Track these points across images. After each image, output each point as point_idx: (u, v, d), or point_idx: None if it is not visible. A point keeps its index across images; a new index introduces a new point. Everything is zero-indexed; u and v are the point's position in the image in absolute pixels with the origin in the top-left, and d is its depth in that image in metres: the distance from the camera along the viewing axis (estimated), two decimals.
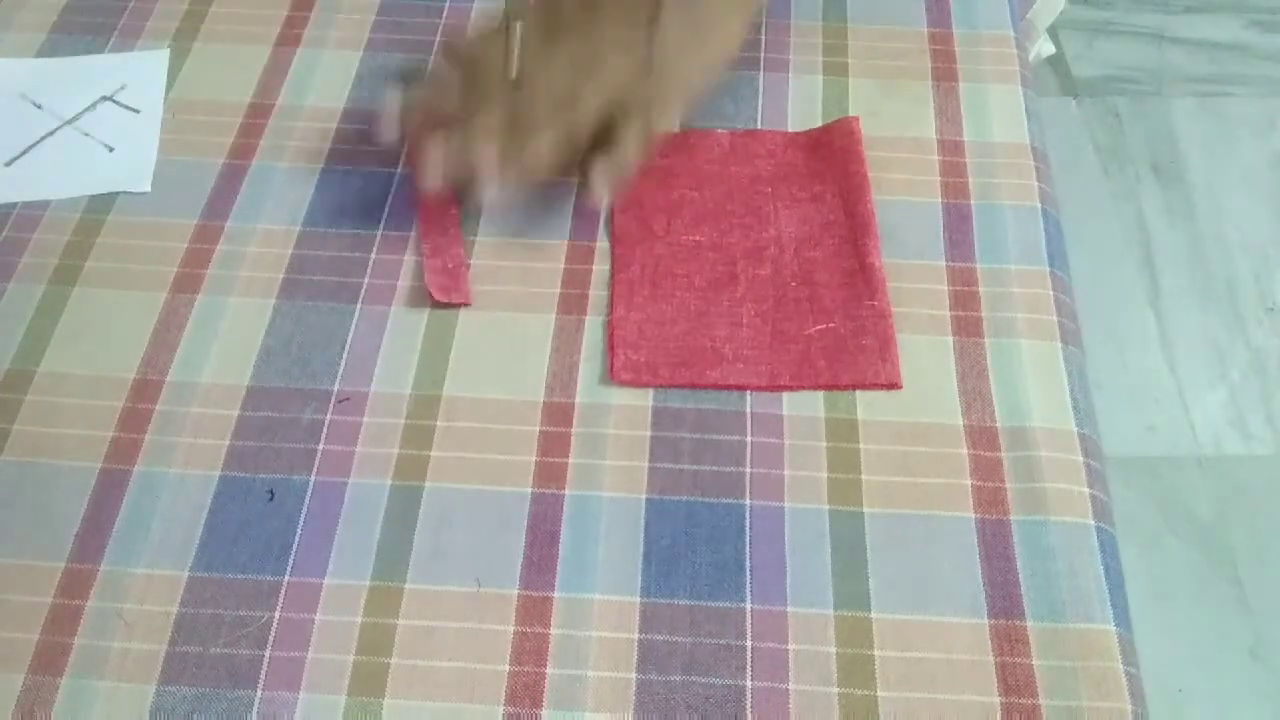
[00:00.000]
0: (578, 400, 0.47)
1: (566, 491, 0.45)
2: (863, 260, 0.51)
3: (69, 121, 0.58)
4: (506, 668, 0.41)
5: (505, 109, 0.51)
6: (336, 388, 0.48)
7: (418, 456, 0.46)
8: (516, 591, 0.42)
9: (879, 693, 0.40)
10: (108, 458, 0.46)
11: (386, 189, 0.55)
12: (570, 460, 0.46)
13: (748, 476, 0.45)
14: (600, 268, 0.52)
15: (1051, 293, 0.51)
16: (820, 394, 0.48)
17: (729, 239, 0.53)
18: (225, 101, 0.58)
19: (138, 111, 0.58)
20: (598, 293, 0.51)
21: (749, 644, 0.41)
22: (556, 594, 0.42)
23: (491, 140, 0.50)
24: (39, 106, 0.58)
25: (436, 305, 0.50)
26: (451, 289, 0.50)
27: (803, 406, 0.47)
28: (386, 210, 0.54)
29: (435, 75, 0.56)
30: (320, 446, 0.46)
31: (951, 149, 0.56)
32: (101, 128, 0.57)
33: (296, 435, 0.46)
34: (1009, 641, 0.41)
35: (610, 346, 0.49)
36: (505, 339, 0.49)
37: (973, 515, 0.44)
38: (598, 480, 0.45)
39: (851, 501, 0.45)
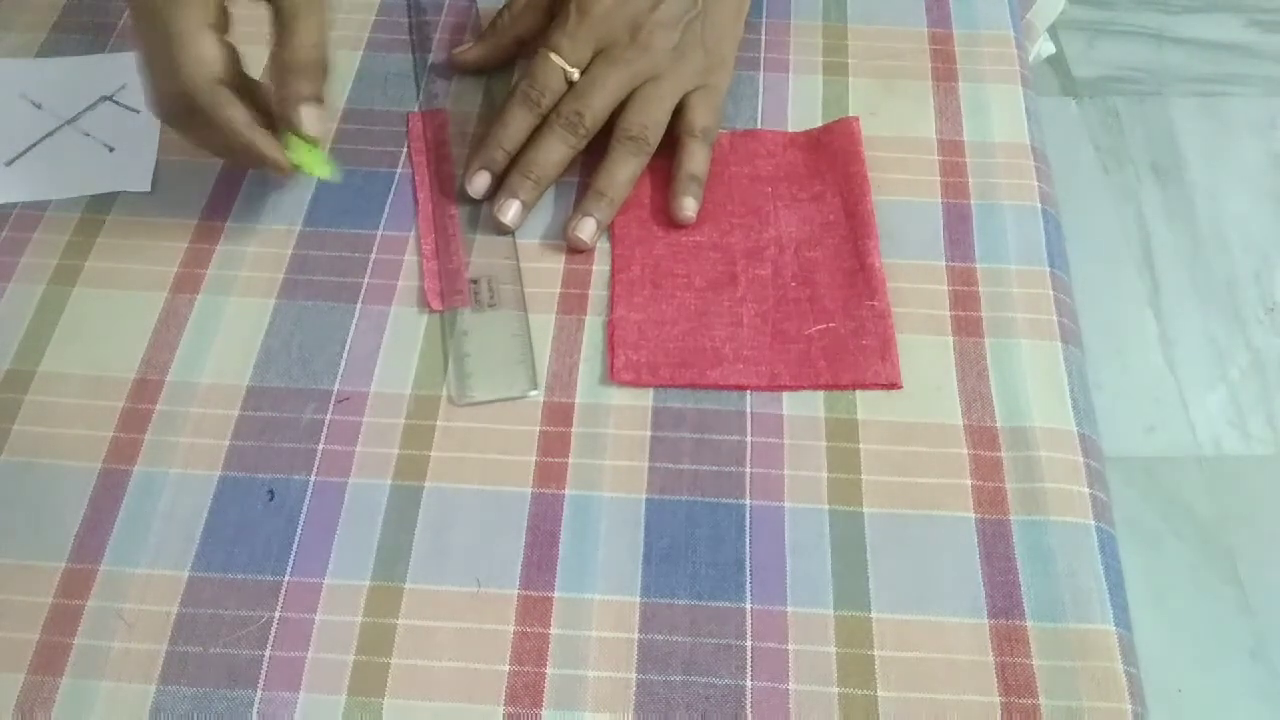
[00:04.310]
0: (578, 400, 0.47)
1: (566, 491, 0.45)
2: (863, 260, 0.51)
3: (69, 121, 0.58)
4: (506, 668, 0.41)
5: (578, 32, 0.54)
6: (336, 388, 0.48)
7: (418, 456, 0.46)
8: (516, 591, 0.42)
9: (879, 693, 0.40)
10: (108, 458, 0.46)
11: (386, 189, 0.55)
12: (570, 460, 0.46)
13: (748, 476, 0.45)
14: (600, 268, 0.52)
15: (1051, 293, 0.51)
16: (820, 394, 0.48)
17: (729, 239, 0.53)
18: None
19: (138, 111, 0.58)
20: (598, 293, 0.51)
21: (749, 644, 0.41)
22: (556, 594, 0.42)
23: (559, 60, 0.54)
24: (39, 106, 0.58)
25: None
26: (451, 293, 0.50)
27: (803, 406, 0.47)
28: (386, 210, 0.54)
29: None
30: (320, 446, 0.46)
31: (951, 149, 0.56)
32: (101, 128, 0.57)
33: (296, 435, 0.46)
34: (1009, 641, 0.41)
35: (610, 346, 0.49)
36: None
37: (973, 515, 0.44)
38: (598, 480, 0.45)
39: (851, 501, 0.45)
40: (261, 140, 0.48)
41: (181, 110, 0.47)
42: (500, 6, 0.59)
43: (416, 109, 0.58)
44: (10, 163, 0.56)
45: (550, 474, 0.45)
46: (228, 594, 0.42)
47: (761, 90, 0.59)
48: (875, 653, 0.41)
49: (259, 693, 0.40)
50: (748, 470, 0.45)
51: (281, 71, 0.48)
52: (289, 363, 0.48)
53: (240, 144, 0.48)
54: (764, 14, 0.62)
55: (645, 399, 0.47)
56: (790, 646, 0.41)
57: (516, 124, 0.53)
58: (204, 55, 0.46)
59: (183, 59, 0.46)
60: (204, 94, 0.46)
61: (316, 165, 0.49)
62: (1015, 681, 0.40)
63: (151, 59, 0.47)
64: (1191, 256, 1.47)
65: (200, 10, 0.46)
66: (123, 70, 0.60)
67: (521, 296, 0.50)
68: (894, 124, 0.57)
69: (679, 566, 0.43)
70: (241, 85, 0.48)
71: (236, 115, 0.47)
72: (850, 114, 0.57)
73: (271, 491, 0.45)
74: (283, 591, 0.42)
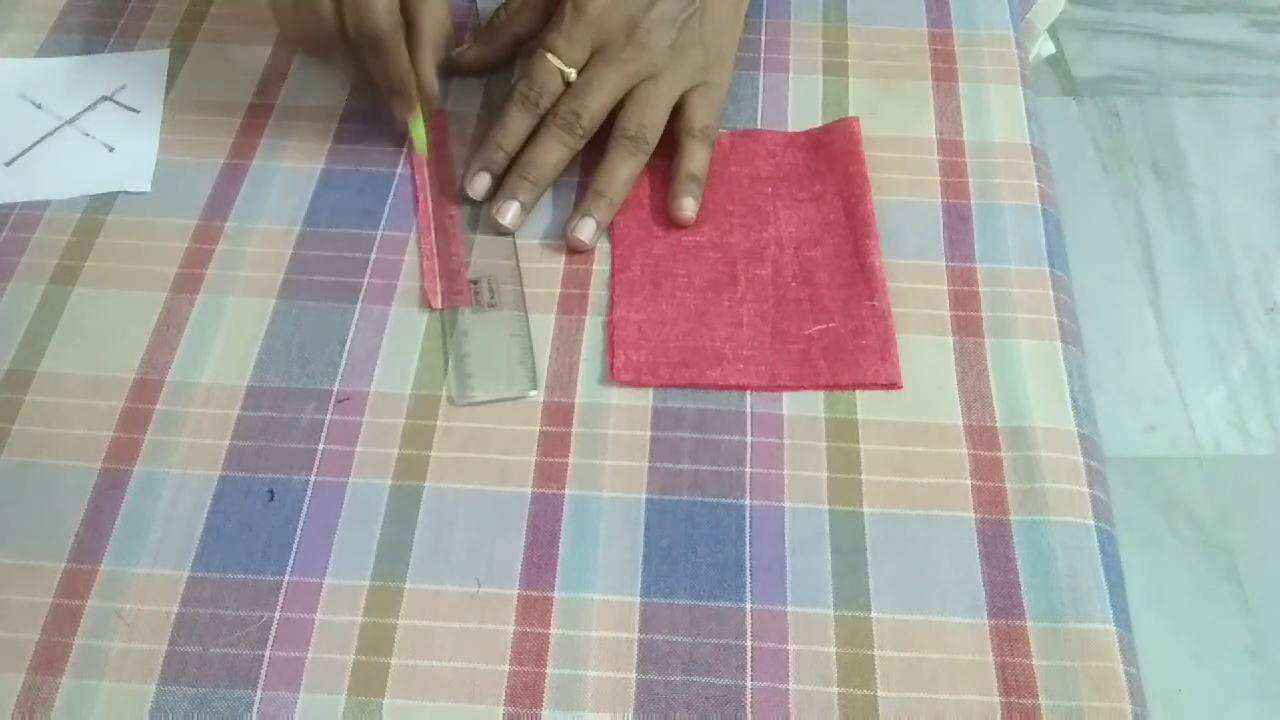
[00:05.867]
0: (578, 400, 0.47)
1: (566, 491, 0.45)
2: (863, 260, 0.51)
3: (69, 121, 0.58)
4: (506, 668, 0.41)
5: (576, 34, 0.54)
6: (336, 388, 0.48)
7: (418, 456, 0.46)
8: (516, 591, 0.42)
9: (879, 693, 0.40)
10: (108, 458, 0.46)
11: (386, 189, 0.55)
12: (570, 460, 0.46)
13: (748, 476, 0.45)
14: (600, 268, 0.52)
15: (1051, 293, 0.51)
16: (820, 394, 0.48)
17: (729, 239, 0.53)
18: (225, 101, 0.58)
19: (138, 111, 0.58)
20: (598, 293, 0.51)
21: (749, 644, 0.41)
22: (556, 594, 0.42)
23: (555, 58, 0.54)
24: (39, 106, 0.58)
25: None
26: (451, 293, 0.50)
27: (803, 406, 0.47)
28: (386, 210, 0.54)
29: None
30: (320, 446, 0.46)
31: (951, 149, 0.56)
32: (101, 128, 0.57)
33: (296, 435, 0.46)
34: (1009, 641, 0.41)
35: (610, 346, 0.49)
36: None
37: (973, 515, 0.44)
38: (598, 480, 0.45)
39: (851, 501, 0.45)
40: (413, 82, 0.53)
41: (333, 41, 0.52)
42: (498, 6, 0.59)
43: None
44: (10, 163, 0.56)
45: (550, 474, 0.45)
46: (228, 594, 0.42)
47: (761, 90, 0.59)
48: (875, 653, 0.41)
49: (259, 693, 0.40)
50: (748, 470, 0.45)
51: (419, 39, 0.54)
52: (289, 363, 0.48)
53: (399, 78, 0.53)
54: (764, 14, 0.62)
55: (645, 399, 0.47)
56: (790, 646, 0.41)
57: (515, 125, 0.53)
58: None
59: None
60: (391, 34, 0.51)
61: (420, 133, 0.55)
62: (1015, 681, 0.40)
63: None
64: (1191, 256, 1.47)
65: None
66: (123, 70, 0.60)
67: (521, 296, 0.51)
68: (894, 124, 0.57)
69: (679, 566, 0.43)
70: None
71: (405, 54, 0.52)
72: (850, 114, 0.57)
73: (271, 491, 0.45)
74: (283, 591, 0.42)
